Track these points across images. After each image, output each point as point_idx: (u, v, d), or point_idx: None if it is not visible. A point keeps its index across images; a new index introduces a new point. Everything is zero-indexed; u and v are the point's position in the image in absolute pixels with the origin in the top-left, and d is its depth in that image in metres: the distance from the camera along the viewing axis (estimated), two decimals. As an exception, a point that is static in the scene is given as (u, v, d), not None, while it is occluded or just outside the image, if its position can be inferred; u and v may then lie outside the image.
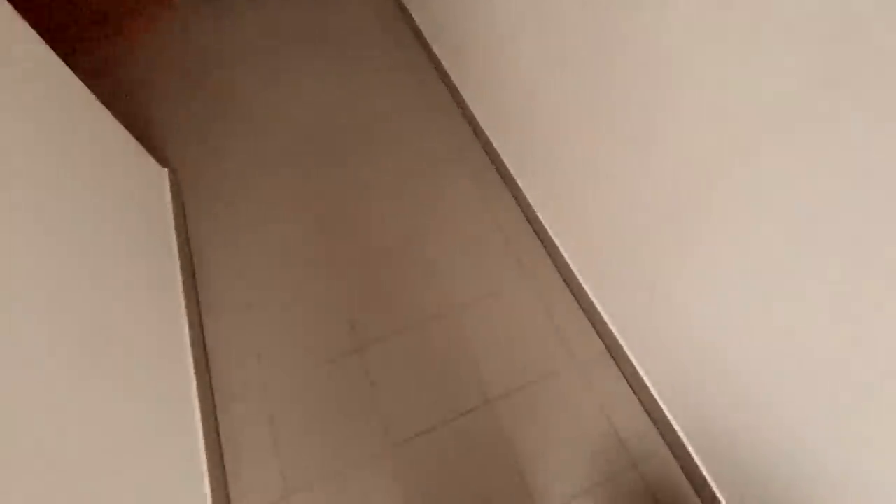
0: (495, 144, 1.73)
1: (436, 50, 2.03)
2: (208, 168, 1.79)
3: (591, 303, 1.39)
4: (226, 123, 1.92)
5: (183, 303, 1.39)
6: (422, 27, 2.11)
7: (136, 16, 2.25)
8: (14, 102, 0.97)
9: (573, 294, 1.48)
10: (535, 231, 1.62)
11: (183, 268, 1.48)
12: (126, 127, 1.49)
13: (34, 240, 0.87)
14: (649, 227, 0.99)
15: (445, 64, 1.98)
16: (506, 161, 1.69)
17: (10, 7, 1.06)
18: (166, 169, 1.68)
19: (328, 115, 1.94)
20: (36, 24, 1.18)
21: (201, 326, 1.45)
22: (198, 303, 1.49)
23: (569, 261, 1.46)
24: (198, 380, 1.27)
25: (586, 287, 1.40)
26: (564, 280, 1.51)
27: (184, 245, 1.57)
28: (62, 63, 1.24)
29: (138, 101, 1.98)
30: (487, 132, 1.77)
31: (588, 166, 1.15)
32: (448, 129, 1.89)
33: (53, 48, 1.20)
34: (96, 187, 1.19)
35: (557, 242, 1.50)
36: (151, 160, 1.59)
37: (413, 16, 2.16)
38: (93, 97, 1.33)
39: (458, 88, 1.90)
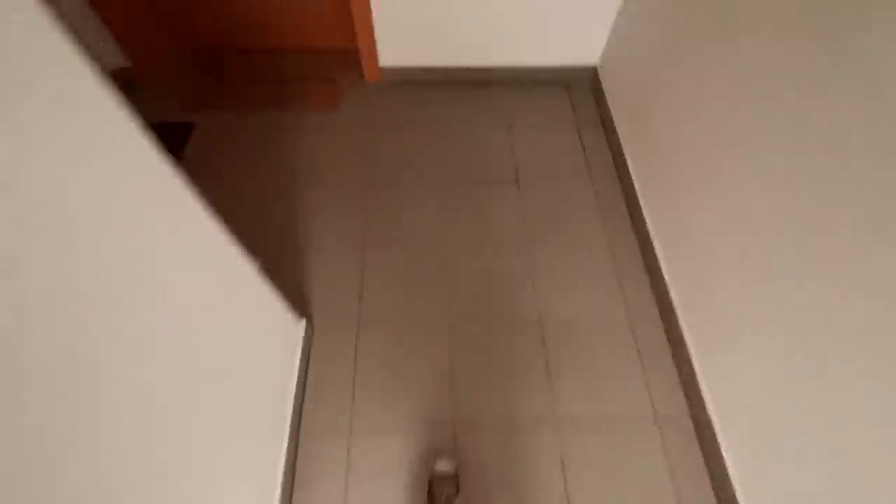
0: (721, 443, 1.19)
1: (656, 245, 1.54)
2: (348, 316, 1.47)
3: None
4: (376, 262, 1.58)
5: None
6: (641, 199, 1.64)
7: (315, 88, 2.02)
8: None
9: None
10: None
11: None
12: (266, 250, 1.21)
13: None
14: None
15: (665, 269, 1.48)
16: (733, 480, 1.15)
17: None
18: (304, 320, 1.37)
19: (497, 287, 1.53)
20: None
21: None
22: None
23: None
24: None
25: None
26: None
27: (296, 419, 1.26)
28: (197, 204, 0.92)
29: (288, 205, 1.71)
30: (715, 422, 1.24)
31: None
32: (653, 381, 1.39)
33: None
34: (219, 337, 0.88)
35: None
36: (288, 314, 1.27)
37: (636, 188, 1.70)
38: (230, 243, 0.99)
39: (678, 318, 1.40)
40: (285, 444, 1.18)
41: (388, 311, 1.47)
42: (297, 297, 1.48)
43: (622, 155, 1.77)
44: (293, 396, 1.26)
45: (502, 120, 1.95)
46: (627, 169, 1.73)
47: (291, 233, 1.63)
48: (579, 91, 2.05)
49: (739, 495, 1.13)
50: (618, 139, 1.81)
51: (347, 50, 2.08)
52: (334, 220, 1.66)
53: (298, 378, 1.29)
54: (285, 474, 1.15)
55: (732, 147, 1.13)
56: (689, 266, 1.35)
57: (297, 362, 1.30)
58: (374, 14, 1.79)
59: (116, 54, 1.87)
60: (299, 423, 1.28)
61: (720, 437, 1.20)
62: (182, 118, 1.88)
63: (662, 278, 1.47)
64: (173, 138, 1.82)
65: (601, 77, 1.98)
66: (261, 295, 1.09)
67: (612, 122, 1.86)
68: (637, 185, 1.67)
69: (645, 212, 1.61)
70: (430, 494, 1.15)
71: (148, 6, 1.84)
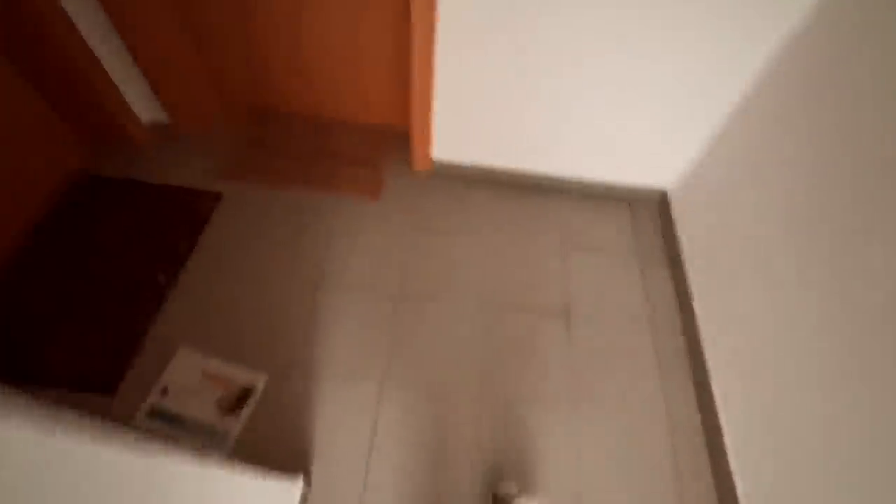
0: None
1: (724, 430, 1.30)
2: (351, 476, 1.24)
3: None
4: (394, 404, 1.36)
5: None
6: (709, 363, 1.41)
7: (357, 172, 1.85)
8: None
9: None
10: None
11: None
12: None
13: None
14: None
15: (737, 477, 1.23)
16: None
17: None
18: (299, 478, 1.14)
19: (532, 460, 1.30)
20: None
21: None
22: None
23: None
24: None
25: None
26: None
27: None
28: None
29: (308, 307, 1.51)
30: None
31: None
32: None
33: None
34: None
35: None
36: (279, 484, 1.05)
37: (703, 346, 1.46)
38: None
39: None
40: None
41: (399, 481, 1.25)
42: (295, 443, 1.26)
43: (689, 301, 1.55)
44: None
45: (556, 237, 1.75)
46: (694, 319, 1.50)
47: (307, 343, 1.43)
48: (644, 214, 1.85)
49: None
50: (686, 282, 1.59)
51: (398, 133, 1.94)
52: (356, 335, 1.46)
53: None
54: None
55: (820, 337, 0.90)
56: (768, 468, 1.10)
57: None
58: (436, 103, 1.64)
59: (156, 110, 1.76)
60: None
61: None
62: (212, 185, 1.74)
63: (730, 476, 1.23)
64: (199, 208, 1.67)
65: (672, 206, 1.78)
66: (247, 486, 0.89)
67: (680, 258, 1.65)
68: (705, 343, 1.44)
69: (713, 382, 1.37)
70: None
71: (194, 66, 1.72)
